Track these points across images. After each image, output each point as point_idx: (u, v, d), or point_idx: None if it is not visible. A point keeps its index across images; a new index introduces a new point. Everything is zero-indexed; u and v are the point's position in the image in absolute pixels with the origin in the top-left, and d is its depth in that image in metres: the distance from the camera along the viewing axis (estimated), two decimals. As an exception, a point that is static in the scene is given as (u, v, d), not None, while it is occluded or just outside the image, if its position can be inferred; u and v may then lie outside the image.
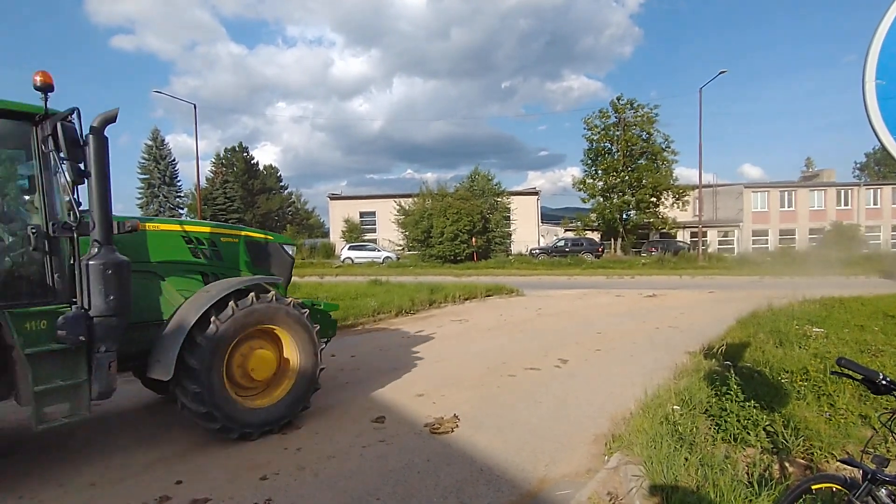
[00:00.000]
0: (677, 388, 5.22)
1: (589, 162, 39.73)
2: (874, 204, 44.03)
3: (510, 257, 36.75)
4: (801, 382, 5.15)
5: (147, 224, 4.81)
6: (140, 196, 60.65)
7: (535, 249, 40.53)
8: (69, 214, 3.74)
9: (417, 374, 6.85)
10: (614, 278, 23.79)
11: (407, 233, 37.41)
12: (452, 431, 4.78)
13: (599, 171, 38.62)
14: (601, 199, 38.85)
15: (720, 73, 30.78)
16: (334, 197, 49.07)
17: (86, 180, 3.66)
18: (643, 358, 7.56)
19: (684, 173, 62.86)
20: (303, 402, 5.04)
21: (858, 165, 70.96)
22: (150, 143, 61.14)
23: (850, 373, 2.15)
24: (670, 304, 14.06)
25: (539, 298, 15.76)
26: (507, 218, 39.73)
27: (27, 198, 4.09)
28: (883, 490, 1.93)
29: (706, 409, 4.55)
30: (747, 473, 3.49)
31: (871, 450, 2.83)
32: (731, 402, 4.34)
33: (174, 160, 62.36)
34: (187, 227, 5.22)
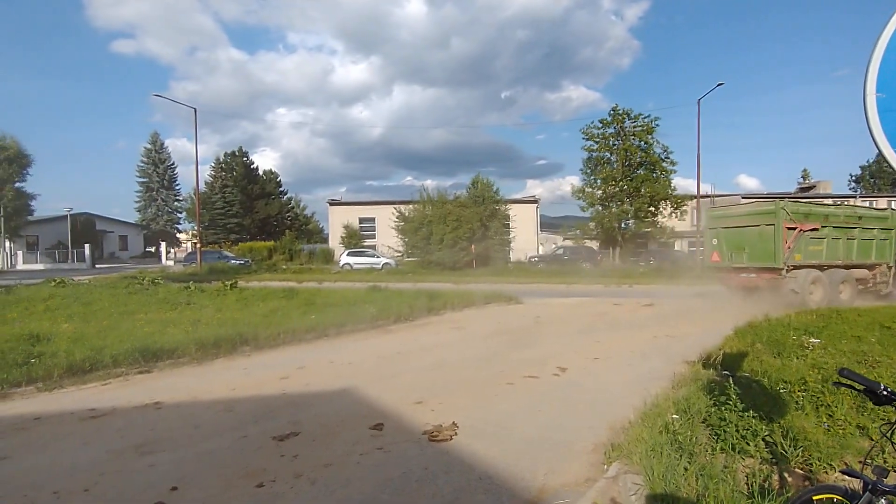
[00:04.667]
0: (676, 397, 5.22)
1: (588, 171, 39.78)
2: (870, 215, 44.16)
3: (509, 265, 36.70)
4: (799, 393, 5.15)
5: None
6: (138, 200, 60.75)
7: (533, 257, 40.52)
8: None
9: (416, 382, 6.82)
10: (612, 287, 23.80)
11: (406, 239, 37.36)
12: (451, 439, 4.75)
13: (598, 181, 38.59)
14: (600, 208, 38.81)
15: (718, 86, 31.19)
16: (334, 203, 49.14)
17: None
18: (641, 367, 7.55)
19: (682, 183, 63.12)
20: None
21: (854, 178, 71.34)
22: (149, 146, 61.40)
23: (852, 383, 2.16)
24: (668, 312, 14.05)
25: (537, 306, 15.74)
26: (507, 225, 39.61)
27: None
28: (883, 500, 1.93)
29: (705, 419, 4.54)
30: (747, 484, 3.48)
31: (870, 460, 2.82)
32: (730, 411, 4.33)
33: (173, 164, 62.69)
34: None
